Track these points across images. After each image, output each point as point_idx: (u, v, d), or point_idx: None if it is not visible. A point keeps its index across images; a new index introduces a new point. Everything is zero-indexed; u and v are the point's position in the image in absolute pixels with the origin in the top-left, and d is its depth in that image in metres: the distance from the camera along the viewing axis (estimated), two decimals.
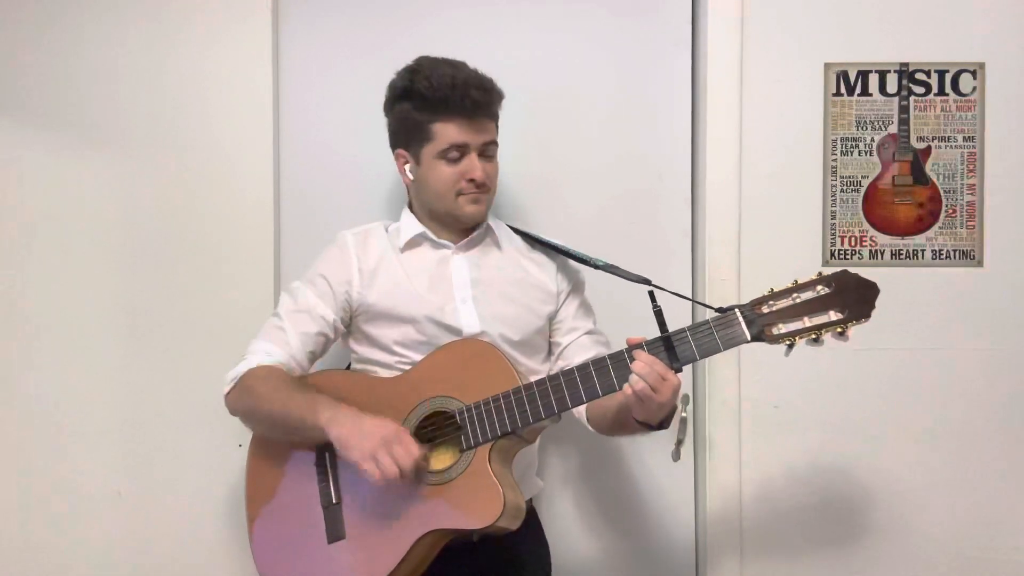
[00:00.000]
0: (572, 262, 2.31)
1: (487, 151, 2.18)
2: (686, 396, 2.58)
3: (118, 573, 2.61)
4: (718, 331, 1.85)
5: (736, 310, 1.85)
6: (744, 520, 2.58)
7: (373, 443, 1.91)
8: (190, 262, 2.61)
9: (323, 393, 2.08)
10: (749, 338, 1.83)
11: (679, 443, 2.56)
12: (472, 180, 2.15)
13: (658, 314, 1.90)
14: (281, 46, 2.66)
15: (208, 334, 2.60)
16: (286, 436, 2.14)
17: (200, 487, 2.60)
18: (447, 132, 2.13)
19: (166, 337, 2.61)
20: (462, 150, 2.14)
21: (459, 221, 2.21)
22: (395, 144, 2.26)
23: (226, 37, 2.61)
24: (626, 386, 1.87)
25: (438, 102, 2.12)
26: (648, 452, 2.62)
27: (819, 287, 1.82)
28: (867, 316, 1.79)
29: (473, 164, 2.15)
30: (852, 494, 2.58)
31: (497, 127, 2.24)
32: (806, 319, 1.80)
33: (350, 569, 2.04)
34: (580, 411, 2.19)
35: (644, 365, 1.86)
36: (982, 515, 2.58)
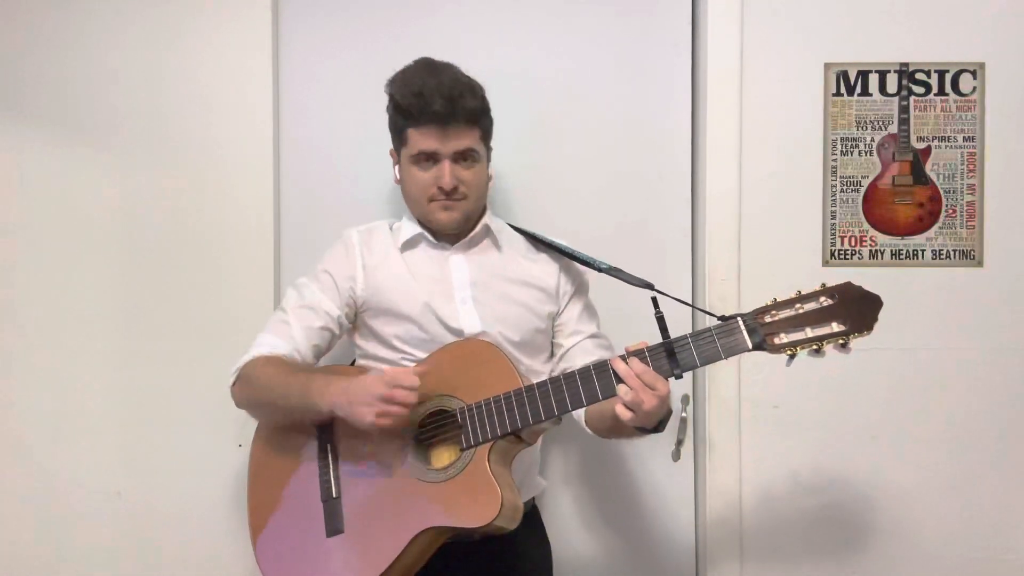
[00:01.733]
0: (576, 264, 2.31)
1: (464, 157, 2.16)
2: (686, 396, 2.60)
3: (118, 573, 2.62)
4: (720, 339, 1.84)
5: (738, 318, 1.84)
6: (744, 520, 2.59)
7: (372, 406, 1.93)
8: (190, 262, 2.61)
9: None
10: (751, 347, 1.82)
11: (679, 443, 2.57)
12: (441, 188, 2.15)
13: (660, 320, 1.90)
14: (281, 46, 2.66)
15: (208, 334, 2.60)
16: (289, 419, 2.15)
17: (200, 487, 2.60)
18: (417, 139, 2.15)
19: (166, 337, 2.62)
20: (432, 157, 2.15)
21: (433, 227, 2.23)
22: (392, 144, 2.28)
23: (226, 36, 2.61)
24: (620, 385, 1.87)
25: (407, 109, 2.14)
26: (648, 452, 2.62)
27: (822, 298, 1.81)
28: (869, 329, 1.78)
29: (443, 171, 2.14)
30: (852, 494, 2.59)
31: (485, 132, 2.23)
32: (808, 329, 1.79)
33: (347, 563, 2.05)
34: (579, 415, 2.20)
35: (630, 374, 1.87)
36: (982, 515, 2.59)
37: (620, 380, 1.88)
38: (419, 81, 2.13)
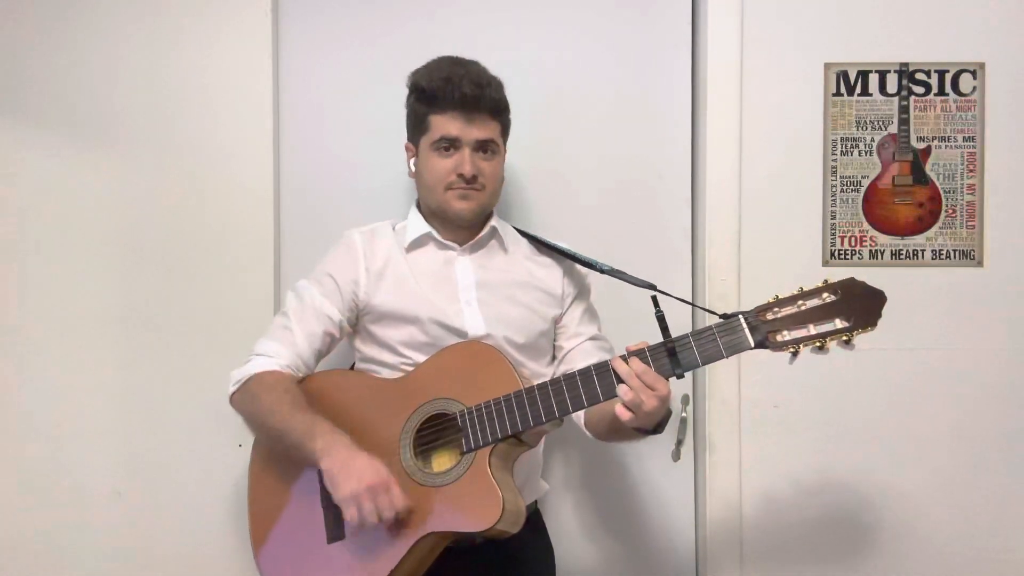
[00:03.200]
0: (579, 266, 2.30)
1: (484, 148, 2.18)
2: (686, 396, 2.60)
3: (118, 572, 2.61)
4: (721, 337, 1.83)
5: (740, 316, 1.83)
6: (744, 520, 2.59)
7: (360, 487, 1.91)
8: (190, 262, 2.61)
9: (326, 398, 2.10)
10: (752, 345, 1.81)
11: (679, 443, 2.57)
12: (461, 175, 2.15)
13: (660, 319, 1.88)
14: (281, 46, 2.65)
15: (208, 334, 2.60)
16: (281, 450, 2.13)
17: (200, 487, 2.60)
18: (440, 124, 2.16)
19: (166, 337, 2.61)
20: (454, 143, 2.16)
21: (448, 216, 2.21)
22: (408, 137, 2.28)
23: (226, 36, 2.61)
24: (620, 386, 1.86)
25: (433, 94, 2.16)
26: (649, 453, 2.62)
27: (825, 294, 1.79)
28: (873, 325, 1.77)
29: (464, 159, 2.15)
30: (852, 494, 2.59)
31: (504, 130, 2.24)
32: (811, 327, 1.78)
33: (348, 570, 2.04)
34: (579, 417, 2.20)
35: (630, 374, 1.86)
36: (982, 515, 2.59)
37: (620, 380, 1.87)
38: (447, 69, 2.17)
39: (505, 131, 2.25)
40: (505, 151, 2.27)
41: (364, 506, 1.90)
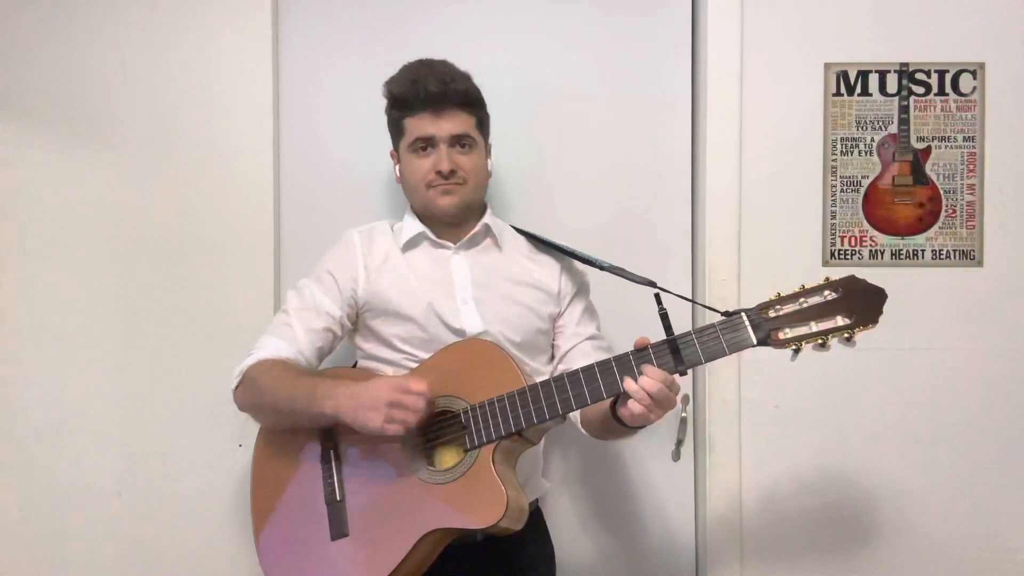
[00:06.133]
0: (578, 264, 2.31)
1: (460, 143, 2.20)
2: (686, 396, 2.59)
3: (118, 572, 2.61)
4: (724, 335, 1.84)
5: (742, 314, 1.83)
6: (744, 520, 2.59)
7: (379, 411, 1.92)
8: (190, 262, 2.61)
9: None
10: (755, 342, 1.82)
11: (679, 443, 2.57)
12: (439, 172, 2.17)
13: (664, 317, 1.89)
14: (281, 46, 2.65)
15: (208, 334, 2.60)
16: (293, 423, 2.14)
17: (200, 487, 2.60)
18: (413, 126, 2.19)
19: (166, 337, 2.61)
20: (429, 142, 2.19)
21: (435, 214, 2.23)
22: (392, 145, 2.31)
23: (226, 37, 2.61)
24: (631, 402, 1.86)
25: (402, 98, 2.20)
26: (649, 452, 2.62)
27: (826, 292, 1.80)
28: (874, 322, 1.78)
29: (440, 155, 2.17)
30: (852, 494, 2.59)
31: (479, 123, 2.25)
32: (813, 324, 1.79)
33: (353, 566, 2.04)
34: (575, 415, 2.19)
35: (641, 393, 1.86)
36: (982, 515, 2.59)
37: (642, 384, 1.86)
38: (414, 71, 2.21)
39: (482, 124, 2.27)
40: (488, 144, 2.29)
41: (397, 417, 1.92)
